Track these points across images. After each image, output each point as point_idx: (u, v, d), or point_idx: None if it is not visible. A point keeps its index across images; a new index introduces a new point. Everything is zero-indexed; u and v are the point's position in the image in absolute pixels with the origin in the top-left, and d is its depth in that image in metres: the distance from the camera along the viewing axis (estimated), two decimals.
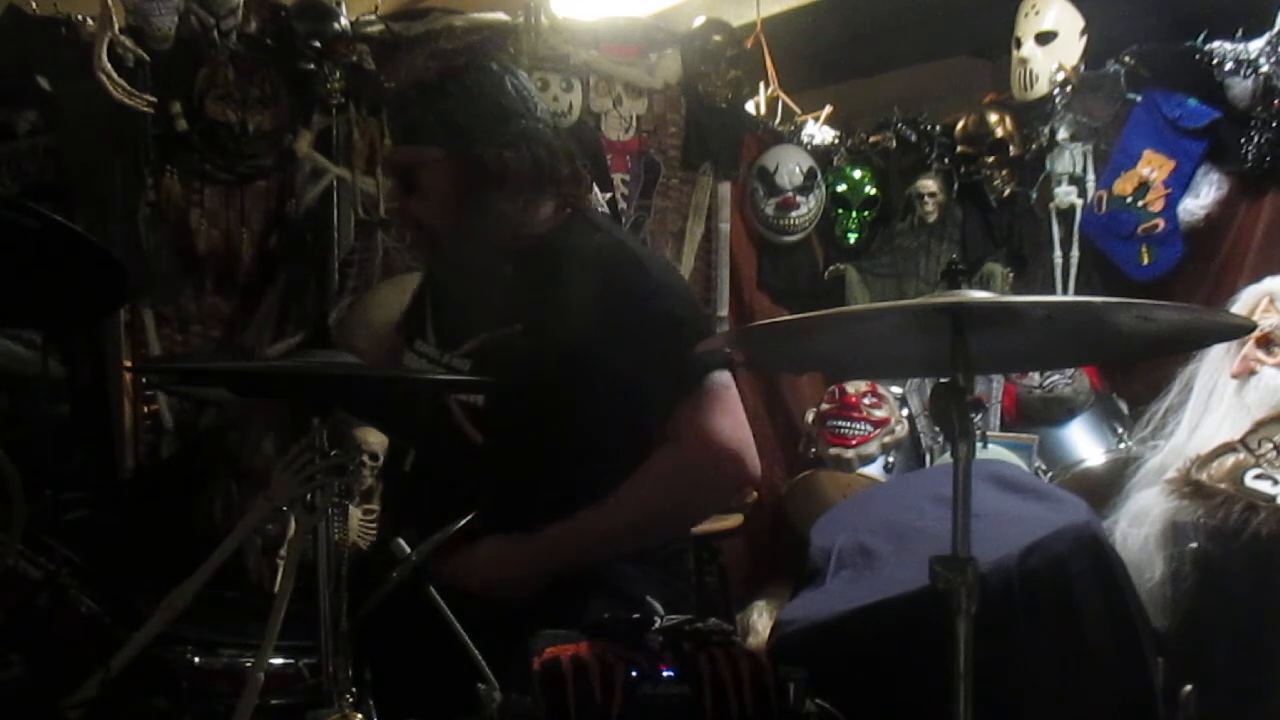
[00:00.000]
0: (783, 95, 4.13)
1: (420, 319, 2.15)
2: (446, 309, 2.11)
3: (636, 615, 1.56)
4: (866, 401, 3.51)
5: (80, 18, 2.92)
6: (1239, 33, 3.25)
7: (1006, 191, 3.74)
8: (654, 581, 1.94)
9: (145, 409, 3.01)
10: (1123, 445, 3.23)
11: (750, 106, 3.98)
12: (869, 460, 3.46)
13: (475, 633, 1.64)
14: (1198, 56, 3.28)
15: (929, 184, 3.82)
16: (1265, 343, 2.64)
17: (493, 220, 1.97)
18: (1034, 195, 3.70)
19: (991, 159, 3.72)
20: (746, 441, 1.94)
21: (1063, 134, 3.58)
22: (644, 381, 1.90)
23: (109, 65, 2.83)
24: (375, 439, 2.86)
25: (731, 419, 1.93)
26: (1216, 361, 2.70)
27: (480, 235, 1.98)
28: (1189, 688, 2.16)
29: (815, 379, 3.74)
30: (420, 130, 1.98)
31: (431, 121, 1.96)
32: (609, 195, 3.56)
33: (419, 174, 1.98)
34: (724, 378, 1.94)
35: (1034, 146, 3.67)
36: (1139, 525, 2.41)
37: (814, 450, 3.56)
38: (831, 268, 3.95)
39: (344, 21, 3.15)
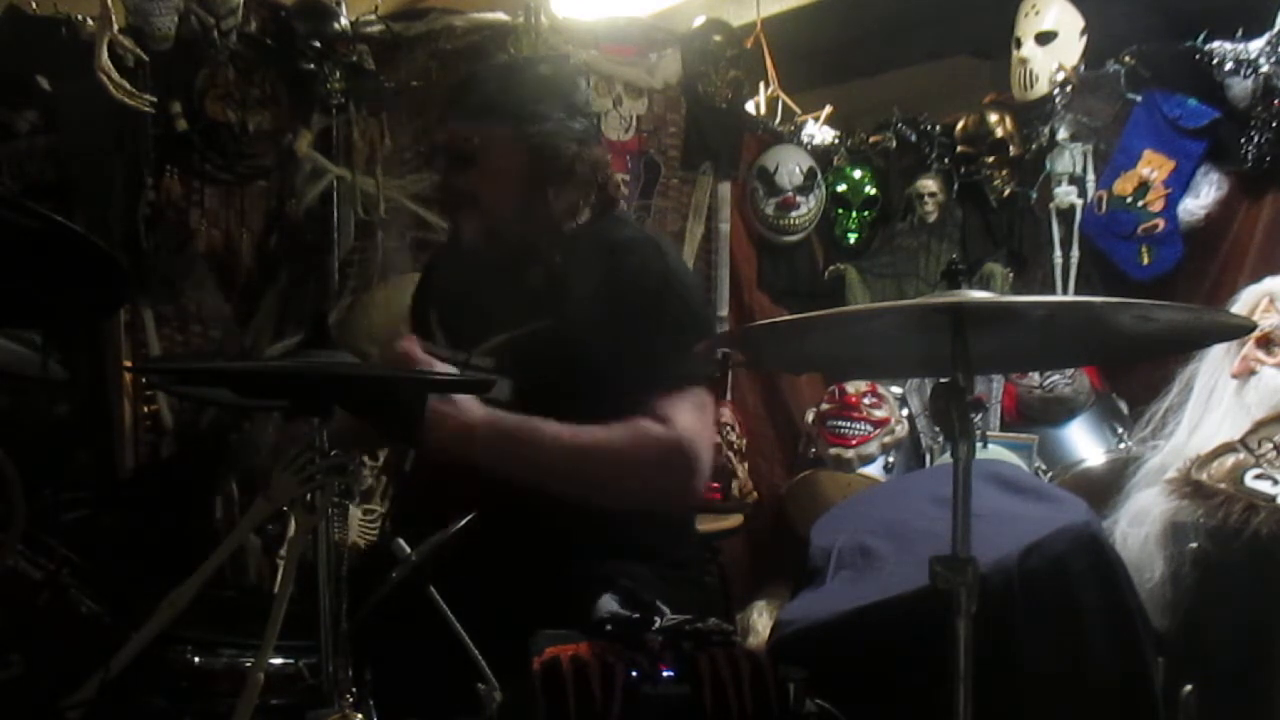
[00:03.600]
0: (783, 95, 4.12)
1: (424, 321, 2.14)
2: (458, 308, 2.09)
3: (636, 615, 1.57)
4: (866, 401, 3.51)
5: (80, 18, 2.91)
6: (1239, 33, 3.25)
7: (1006, 191, 3.74)
8: (664, 582, 1.95)
9: (145, 409, 3.01)
10: (1123, 445, 3.23)
11: (750, 106, 3.98)
12: (869, 460, 3.46)
13: (475, 633, 1.64)
14: (1198, 56, 3.28)
15: (929, 184, 3.82)
16: (1265, 343, 2.64)
17: (553, 211, 1.99)
18: (1034, 195, 3.70)
19: (991, 159, 3.72)
20: (707, 455, 1.95)
21: (1063, 134, 3.58)
22: (637, 367, 1.91)
23: (109, 65, 2.83)
24: None
25: (704, 428, 1.95)
26: (1216, 361, 2.70)
27: (536, 223, 1.99)
28: (1189, 688, 2.17)
29: (815, 379, 3.74)
30: (496, 109, 1.97)
31: (511, 102, 1.97)
32: None
33: (488, 152, 1.97)
34: (705, 394, 1.97)
35: (1034, 146, 3.67)
36: (1139, 525, 2.41)
37: (814, 450, 3.56)
38: (831, 268, 3.95)
39: (344, 21, 3.15)
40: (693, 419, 1.92)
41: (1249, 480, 2.32)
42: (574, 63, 2.18)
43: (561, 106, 2.00)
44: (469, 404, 1.88)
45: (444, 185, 2.06)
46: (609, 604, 1.60)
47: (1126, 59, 3.46)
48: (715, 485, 3.54)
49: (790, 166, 3.79)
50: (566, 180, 1.98)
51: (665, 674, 1.48)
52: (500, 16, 3.37)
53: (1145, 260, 3.44)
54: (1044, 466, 3.29)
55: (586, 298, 1.93)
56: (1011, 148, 3.69)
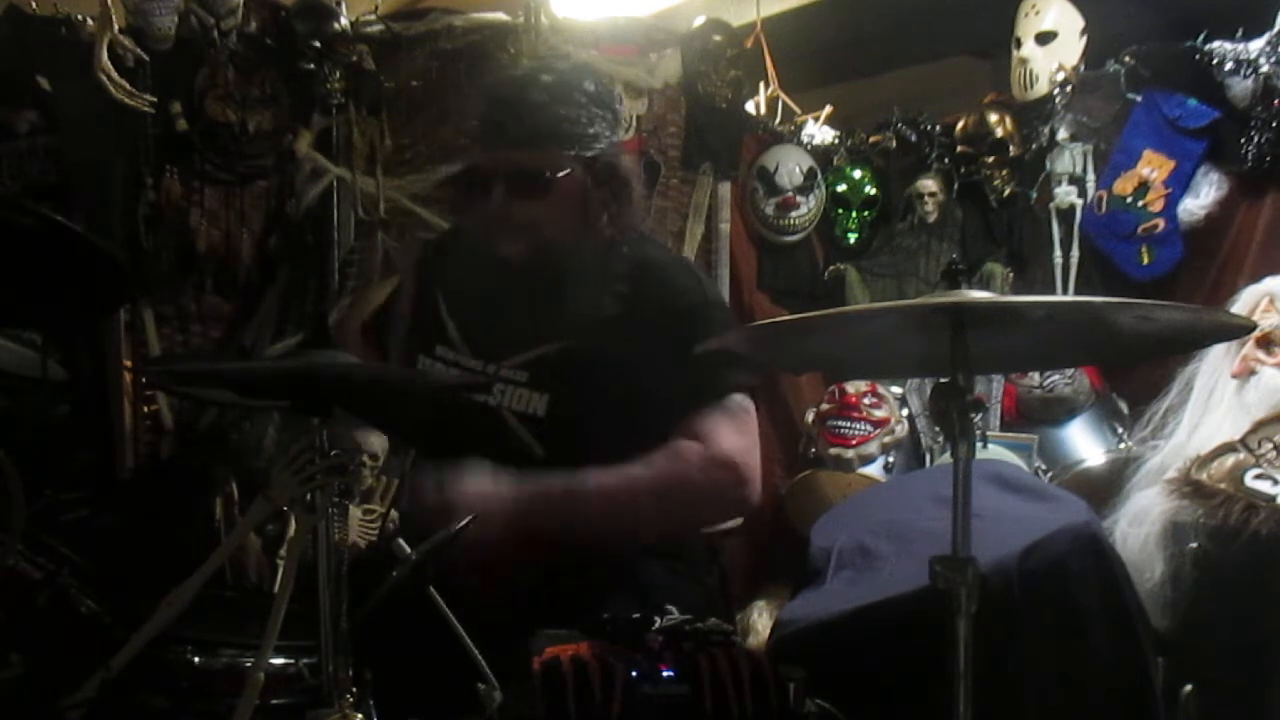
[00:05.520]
0: (783, 95, 4.12)
1: (437, 325, 2.11)
2: (483, 318, 2.06)
3: (637, 615, 1.57)
4: (866, 401, 3.51)
5: (80, 18, 2.92)
6: (1239, 33, 3.24)
7: (1006, 191, 3.73)
8: (681, 581, 1.95)
9: (145, 409, 3.01)
10: (1123, 445, 3.22)
11: (750, 106, 3.98)
12: (869, 460, 3.46)
13: (475, 633, 1.64)
14: (1198, 56, 3.28)
15: (929, 184, 3.82)
16: (1265, 343, 2.64)
17: (607, 226, 1.97)
18: (1034, 195, 3.69)
19: (991, 159, 3.71)
20: (755, 465, 1.96)
21: (1063, 134, 3.57)
22: (675, 386, 1.91)
23: (109, 65, 2.84)
24: (375, 439, 2.86)
25: (747, 440, 1.96)
26: (1216, 361, 2.70)
27: (588, 240, 1.97)
28: (1189, 688, 2.17)
29: (815, 379, 3.74)
30: (558, 135, 1.93)
31: (572, 127, 1.93)
32: None
33: (555, 181, 1.93)
34: (745, 401, 1.97)
35: (1034, 146, 3.66)
36: (1139, 525, 2.41)
37: (814, 450, 3.56)
38: (831, 268, 3.95)
39: (344, 21, 3.15)
40: (732, 429, 1.93)
41: (1249, 480, 2.32)
42: (577, 64, 2.17)
43: (609, 122, 1.98)
44: (503, 484, 1.86)
45: (500, 213, 1.95)
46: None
47: (1126, 59, 3.46)
48: None
49: (790, 166, 3.79)
50: (624, 196, 1.98)
51: (665, 674, 1.48)
52: (500, 17, 3.37)
53: (1145, 260, 3.44)
54: (1044, 466, 3.28)
55: (624, 315, 1.93)
56: (1011, 148, 3.69)
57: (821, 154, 3.91)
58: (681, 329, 1.91)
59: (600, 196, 1.96)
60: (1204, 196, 3.33)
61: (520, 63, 3.08)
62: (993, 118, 3.71)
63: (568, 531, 1.86)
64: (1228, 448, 2.44)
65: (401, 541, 1.66)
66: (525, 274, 1.99)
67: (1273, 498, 2.26)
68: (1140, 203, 3.41)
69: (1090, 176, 3.57)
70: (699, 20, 3.78)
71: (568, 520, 1.86)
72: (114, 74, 2.85)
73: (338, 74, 3.14)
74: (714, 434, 1.91)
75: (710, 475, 1.92)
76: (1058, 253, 3.62)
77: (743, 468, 1.94)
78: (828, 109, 4.08)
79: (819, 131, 3.97)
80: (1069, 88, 3.54)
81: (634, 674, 1.47)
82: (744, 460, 1.94)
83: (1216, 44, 3.26)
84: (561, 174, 1.93)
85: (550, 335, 1.98)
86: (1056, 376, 3.35)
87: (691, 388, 1.92)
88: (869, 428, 3.48)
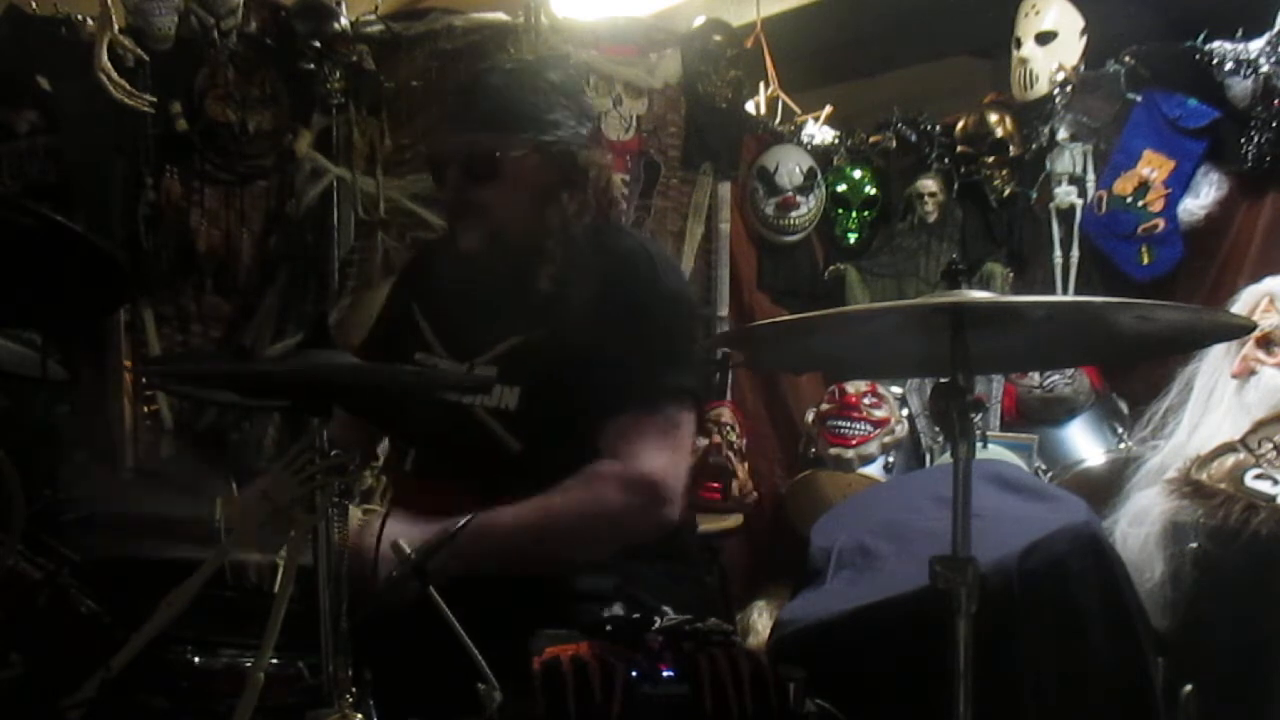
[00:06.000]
0: (783, 95, 4.12)
1: (415, 332, 2.11)
2: (455, 317, 2.06)
3: (636, 615, 1.57)
4: (866, 401, 3.51)
5: (80, 18, 2.92)
6: (1239, 33, 3.24)
7: (1006, 191, 3.74)
8: (673, 584, 1.94)
9: (145, 409, 3.01)
10: (1123, 445, 3.23)
11: (750, 106, 3.98)
12: (869, 460, 3.46)
13: (475, 633, 1.64)
14: (1198, 56, 3.28)
15: (929, 184, 3.82)
16: (1265, 343, 2.64)
17: (563, 217, 1.97)
18: (1034, 195, 3.70)
19: (991, 159, 3.71)
20: (676, 484, 1.90)
21: (1063, 134, 3.58)
22: (606, 389, 1.88)
23: (109, 65, 2.84)
24: None
25: (671, 456, 1.90)
26: (1216, 361, 2.70)
27: (545, 231, 1.97)
28: (1189, 688, 2.17)
29: (815, 379, 3.74)
30: (513, 119, 1.95)
31: (527, 112, 1.95)
32: None
33: (507, 164, 1.94)
34: (678, 411, 1.91)
35: (1034, 146, 3.67)
36: (1139, 525, 2.41)
37: (814, 450, 3.56)
38: (831, 268, 3.95)
39: (344, 21, 3.15)
40: (655, 445, 1.88)
41: (1249, 480, 2.32)
42: (575, 63, 2.18)
43: (573, 112, 1.99)
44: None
45: (456, 198, 2.00)
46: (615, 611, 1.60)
47: (1126, 59, 3.46)
48: (715, 485, 3.54)
49: (790, 166, 3.79)
50: (579, 186, 1.98)
51: (665, 674, 1.48)
52: (500, 17, 3.37)
53: (1145, 260, 3.44)
54: (1044, 466, 3.29)
55: (580, 308, 1.92)
56: (1011, 148, 3.69)
57: (821, 154, 3.91)
58: (632, 322, 1.90)
59: (555, 182, 1.96)
60: (1204, 196, 3.33)
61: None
62: (993, 118, 3.71)
63: (482, 567, 1.79)
64: (1228, 448, 2.44)
65: (402, 541, 1.66)
66: (485, 266, 1.99)
67: (1273, 498, 2.27)
68: (1140, 203, 3.42)
69: (1090, 176, 3.57)
70: (699, 20, 3.78)
71: (478, 559, 1.78)
72: (114, 74, 2.85)
73: (338, 74, 3.14)
74: (634, 451, 1.86)
75: (627, 498, 1.86)
76: (1058, 253, 3.62)
77: (662, 488, 1.87)
78: (828, 109, 4.08)
79: (819, 131, 3.97)
80: (1069, 88, 3.54)
81: (634, 674, 1.46)
82: (664, 480, 1.87)
83: (1216, 44, 3.26)
84: (512, 155, 1.94)
85: (516, 328, 1.97)
86: (1056, 376, 3.35)
87: (621, 394, 1.88)
88: (869, 428, 3.48)
